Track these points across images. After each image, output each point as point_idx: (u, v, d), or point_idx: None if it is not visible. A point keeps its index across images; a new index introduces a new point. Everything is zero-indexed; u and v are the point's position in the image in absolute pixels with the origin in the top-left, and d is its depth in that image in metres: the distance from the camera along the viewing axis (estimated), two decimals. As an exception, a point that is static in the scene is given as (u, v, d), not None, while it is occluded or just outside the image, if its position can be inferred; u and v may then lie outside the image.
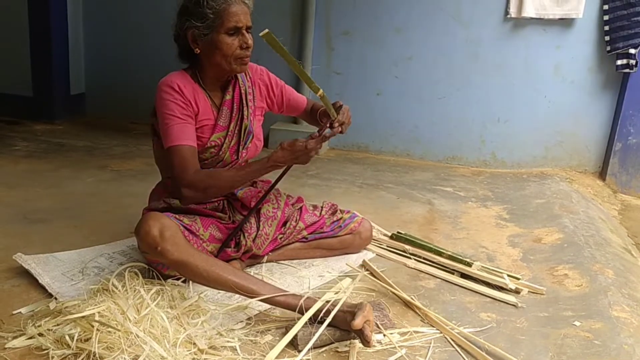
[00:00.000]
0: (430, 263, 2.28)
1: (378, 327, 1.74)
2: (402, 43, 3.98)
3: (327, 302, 1.65)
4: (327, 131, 1.86)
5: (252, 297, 1.68)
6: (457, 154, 4.05)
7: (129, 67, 4.49)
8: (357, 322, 1.54)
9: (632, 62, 3.49)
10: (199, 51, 1.90)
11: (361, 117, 4.14)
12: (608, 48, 3.58)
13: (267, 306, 1.79)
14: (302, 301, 1.66)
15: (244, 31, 1.88)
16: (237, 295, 1.75)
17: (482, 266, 2.20)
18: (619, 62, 3.54)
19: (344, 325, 1.62)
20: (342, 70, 4.13)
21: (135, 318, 1.56)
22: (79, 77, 4.60)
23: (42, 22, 4.24)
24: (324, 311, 1.62)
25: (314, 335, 1.56)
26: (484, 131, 3.97)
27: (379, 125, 4.14)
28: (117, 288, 1.68)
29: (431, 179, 3.65)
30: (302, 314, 1.61)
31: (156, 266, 1.84)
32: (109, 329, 1.51)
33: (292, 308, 1.68)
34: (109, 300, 1.61)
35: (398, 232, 2.49)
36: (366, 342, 1.56)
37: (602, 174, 3.81)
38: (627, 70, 3.54)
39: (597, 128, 3.79)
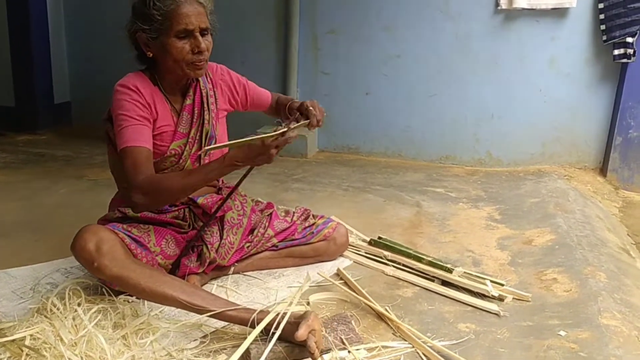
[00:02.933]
0: (409, 270, 2.14)
1: (343, 342, 1.61)
2: (390, 40, 3.85)
3: (278, 313, 1.53)
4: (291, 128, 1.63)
5: (201, 313, 1.55)
6: (451, 153, 3.90)
7: (116, 73, 4.32)
8: (301, 333, 1.42)
9: (630, 51, 3.31)
10: (151, 55, 1.79)
11: (351, 117, 4.02)
12: (604, 37, 3.41)
13: (224, 323, 1.67)
14: (254, 315, 1.53)
15: (197, 34, 1.74)
16: (194, 311, 1.63)
17: (465, 272, 2.06)
18: (616, 52, 3.37)
19: (293, 339, 1.49)
20: (329, 70, 4.00)
21: (71, 340, 1.44)
22: (63, 85, 4.51)
23: (22, 29, 4.16)
24: (275, 324, 1.50)
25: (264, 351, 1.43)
26: (478, 129, 3.82)
27: (369, 126, 4.01)
28: (56, 308, 1.56)
29: (422, 180, 3.51)
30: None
31: (104, 281, 1.72)
32: (42, 353, 1.39)
33: (244, 323, 1.55)
34: (45, 322, 1.49)
35: (379, 237, 2.36)
36: (311, 354, 1.43)
37: (602, 170, 3.64)
38: (625, 60, 3.37)
39: (596, 122, 3.62)
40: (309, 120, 1.83)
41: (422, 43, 3.79)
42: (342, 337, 1.63)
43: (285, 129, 1.63)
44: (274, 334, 1.48)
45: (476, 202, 3.08)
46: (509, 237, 2.55)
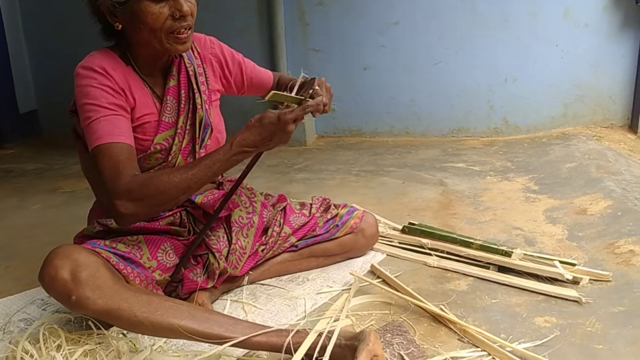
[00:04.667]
0: (457, 258, 1.81)
1: (403, 359, 1.26)
2: (385, 7, 3.51)
3: (321, 334, 1.19)
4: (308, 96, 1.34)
5: (221, 344, 1.19)
6: (464, 125, 3.57)
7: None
8: None
9: (655, -9, 3.00)
10: (120, 26, 1.40)
11: (349, 97, 3.67)
12: (624, -21, 3.10)
13: (246, 350, 1.31)
14: (289, 338, 1.19)
15: None
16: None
17: (525, 254, 1.72)
18: (639, -7, 3.05)
19: (344, 366, 1.15)
20: (320, 47, 3.65)
21: (51, 398, 1.08)
22: (27, 92, 4.10)
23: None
24: (319, 346, 1.18)
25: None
26: (491, 95, 3.50)
27: (370, 104, 3.67)
28: (29, 355, 1.19)
29: (438, 156, 3.18)
30: (293, 355, 1.16)
31: (90, 314, 1.34)
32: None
33: (277, 349, 1.20)
34: (14, 376, 1.12)
35: (410, 224, 2.01)
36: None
37: (632, 127, 3.35)
38: (649, 3, 3.05)
39: (621, 75, 3.33)
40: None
41: (421, 6, 3.46)
42: (402, 352, 1.30)
43: (301, 97, 1.33)
44: (317, 359, 1.14)
45: (505, 174, 2.75)
46: (556, 209, 2.22)
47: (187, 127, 1.53)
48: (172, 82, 1.51)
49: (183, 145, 1.52)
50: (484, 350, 1.32)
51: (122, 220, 1.33)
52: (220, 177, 1.73)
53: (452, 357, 1.29)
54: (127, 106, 1.42)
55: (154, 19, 1.35)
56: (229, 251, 1.57)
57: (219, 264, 1.53)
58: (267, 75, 1.78)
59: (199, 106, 1.54)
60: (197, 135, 1.54)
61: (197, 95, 1.54)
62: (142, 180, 1.31)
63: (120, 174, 1.31)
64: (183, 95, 1.52)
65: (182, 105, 1.52)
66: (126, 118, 1.40)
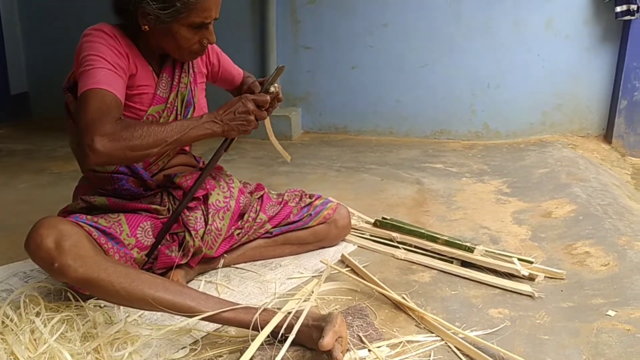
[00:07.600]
0: (423, 252, 1.90)
1: (362, 340, 1.35)
2: (376, 8, 3.58)
3: (289, 313, 1.27)
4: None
5: (191, 316, 1.27)
6: (446, 128, 3.65)
7: (78, 61, 4.03)
8: (327, 342, 1.16)
9: (634, 7, 3.09)
10: (147, 29, 1.49)
11: (336, 94, 3.75)
12: (605, -6, 3.20)
13: (217, 325, 1.40)
14: (257, 315, 1.26)
15: (210, 25, 1.52)
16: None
17: (486, 250, 1.82)
18: (619, 8, 3.15)
19: (311, 344, 1.23)
20: (311, 45, 3.72)
21: (29, 359, 1.16)
22: (19, 75, 4.13)
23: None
24: (285, 326, 1.25)
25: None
26: (473, 100, 3.58)
27: (357, 103, 3.74)
28: (10, 319, 1.27)
29: (419, 157, 3.26)
30: (259, 332, 1.23)
31: (70, 285, 1.42)
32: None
33: (244, 325, 1.28)
34: (-6, 338, 1.20)
35: (382, 218, 2.10)
36: (335, 367, 1.17)
37: (607, 137, 3.44)
38: (628, 18, 3.14)
39: (599, 86, 3.41)
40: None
41: (410, 10, 3.53)
42: (360, 334, 1.38)
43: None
44: (283, 336, 1.23)
45: (480, 176, 2.85)
46: (524, 211, 2.32)
47: (176, 104, 1.64)
48: (168, 62, 1.63)
49: (169, 119, 1.61)
50: (438, 336, 1.41)
51: (94, 158, 1.31)
52: (201, 162, 1.83)
53: (407, 341, 1.38)
54: (127, 71, 1.50)
55: (186, 42, 1.50)
56: (204, 231, 1.65)
57: (194, 242, 1.60)
58: (238, 73, 1.89)
59: (183, 85, 1.64)
60: (179, 112, 1.64)
61: (184, 74, 1.65)
62: (126, 124, 1.36)
63: (109, 115, 1.34)
64: (177, 74, 1.64)
65: (175, 83, 1.63)
66: (123, 80, 1.47)
